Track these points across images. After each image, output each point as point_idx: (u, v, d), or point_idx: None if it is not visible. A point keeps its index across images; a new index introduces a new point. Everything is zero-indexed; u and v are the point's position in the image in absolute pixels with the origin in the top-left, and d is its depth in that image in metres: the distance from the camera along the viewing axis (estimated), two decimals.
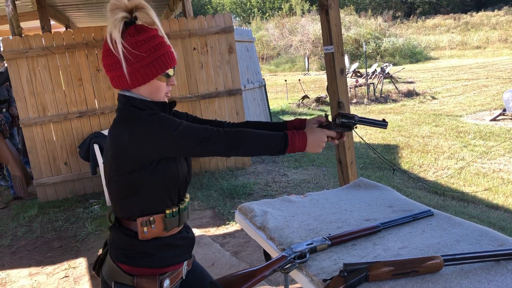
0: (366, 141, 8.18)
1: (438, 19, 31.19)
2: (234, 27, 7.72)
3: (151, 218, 1.42)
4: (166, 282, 1.45)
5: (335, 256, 1.74)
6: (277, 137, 1.43)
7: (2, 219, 5.07)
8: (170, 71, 1.41)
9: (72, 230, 4.56)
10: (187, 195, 1.58)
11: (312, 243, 1.78)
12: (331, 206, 2.29)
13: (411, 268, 1.53)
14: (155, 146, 1.33)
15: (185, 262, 1.56)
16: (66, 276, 3.65)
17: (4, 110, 6.14)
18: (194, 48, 5.76)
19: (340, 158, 3.43)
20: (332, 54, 3.20)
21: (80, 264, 3.81)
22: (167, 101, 1.47)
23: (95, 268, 1.56)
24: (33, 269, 3.85)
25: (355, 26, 27.19)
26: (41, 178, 5.50)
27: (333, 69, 3.25)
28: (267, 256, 2.03)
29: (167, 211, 1.43)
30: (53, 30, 7.35)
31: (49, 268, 3.83)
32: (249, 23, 33.45)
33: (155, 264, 1.44)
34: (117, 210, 1.47)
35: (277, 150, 1.44)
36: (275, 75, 22.98)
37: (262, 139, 1.42)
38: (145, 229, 1.41)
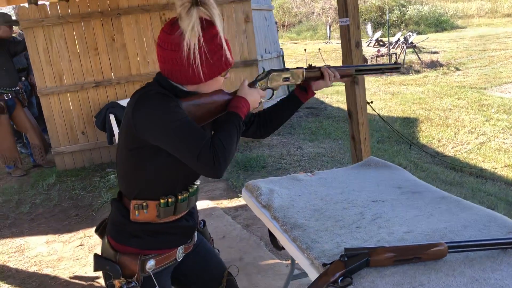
0: (386, 113, 8.04)
1: None
2: None
3: (144, 203, 1.42)
4: (150, 263, 1.46)
5: (338, 239, 1.72)
6: (234, 121, 1.41)
7: (22, 187, 5.20)
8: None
9: (88, 199, 4.65)
10: (196, 184, 1.55)
11: None
12: (339, 185, 2.26)
13: (413, 255, 1.50)
14: (151, 129, 1.31)
15: (181, 246, 1.56)
16: (81, 245, 3.74)
17: (23, 78, 6.20)
18: None
19: (353, 134, 3.37)
20: (348, 26, 3.10)
21: (95, 233, 3.90)
22: None
23: (98, 230, 1.60)
24: (50, 237, 3.95)
25: None
26: (59, 147, 5.58)
27: (348, 42, 3.15)
28: (271, 236, 2.03)
29: (162, 200, 1.42)
30: None
31: (65, 236, 3.93)
32: None
33: (141, 246, 1.46)
34: (120, 185, 1.50)
35: (241, 130, 1.44)
36: (296, 43, 22.61)
37: (236, 139, 1.40)
38: (137, 212, 1.43)
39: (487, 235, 1.65)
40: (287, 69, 1.69)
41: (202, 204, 4.23)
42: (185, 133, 1.29)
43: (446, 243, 1.49)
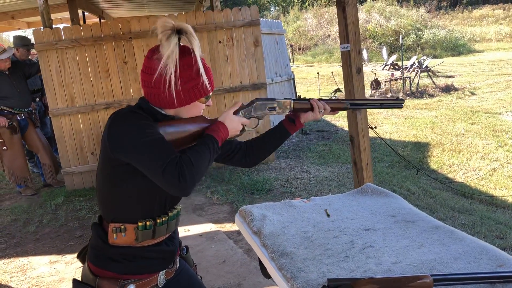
0: (397, 137, 7.97)
1: (486, 10, 29.84)
2: (264, 19, 7.65)
3: (122, 227, 1.43)
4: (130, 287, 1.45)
5: (324, 268, 1.69)
6: (209, 143, 1.41)
7: (30, 206, 5.26)
8: (210, 94, 1.49)
9: (94, 219, 4.66)
10: (177, 208, 1.56)
11: None
12: (333, 212, 2.23)
13: (397, 287, 1.47)
14: (122, 144, 1.32)
15: (162, 271, 1.55)
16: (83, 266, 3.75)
17: (37, 99, 6.33)
18: (220, 41, 5.74)
19: (355, 159, 3.35)
20: (349, 52, 3.11)
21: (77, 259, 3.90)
22: None
23: (80, 255, 1.61)
24: (54, 257, 3.97)
25: (395, 16, 26.45)
26: (69, 167, 5.66)
27: (349, 68, 3.16)
28: (261, 263, 2.00)
29: (140, 223, 1.43)
30: (88, 21, 7.49)
31: (68, 257, 3.95)
32: (288, 12, 33.13)
33: (120, 271, 1.46)
34: (100, 208, 1.52)
35: (215, 153, 1.43)
36: (311, 66, 22.73)
37: (208, 160, 1.38)
38: (115, 235, 1.43)
39: (476, 268, 1.61)
40: (273, 99, 1.67)
41: (205, 227, 4.22)
42: (152, 149, 1.30)
43: (432, 275, 1.46)
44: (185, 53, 1.40)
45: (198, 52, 1.38)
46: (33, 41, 5.75)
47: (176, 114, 1.46)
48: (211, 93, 1.49)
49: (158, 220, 1.46)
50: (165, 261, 1.55)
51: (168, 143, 1.34)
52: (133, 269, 1.47)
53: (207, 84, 1.44)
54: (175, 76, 1.36)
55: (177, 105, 1.42)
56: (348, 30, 3.06)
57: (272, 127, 1.78)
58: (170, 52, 1.33)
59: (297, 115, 1.71)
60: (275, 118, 6.80)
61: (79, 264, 3.78)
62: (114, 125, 1.35)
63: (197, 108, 1.48)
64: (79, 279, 1.52)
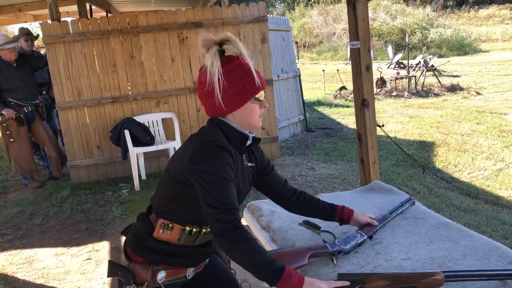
0: (402, 136, 7.96)
1: (492, 9, 29.67)
2: (271, 15, 7.64)
3: (171, 225, 1.51)
4: (161, 274, 1.53)
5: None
6: (272, 267, 1.34)
7: (36, 198, 5.28)
8: (261, 95, 1.50)
9: (99, 213, 4.69)
10: None
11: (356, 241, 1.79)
12: None
13: (409, 284, 1.47)
14: (197, 173, 1.39)
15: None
16: (88, 259, 3.77)
17: (44, 92, 6.35)
18: None
19: (362, 157, 3.34)
20: (358, 50, 3.11)
21: (103, 248, 3.92)
22: (260, 125, 1.57)
23: (124, 231, 1.68)
24: (60, 249, 3.99)
25: (401, 15, 26.35)
26: (75, 160, 5.67)
27: (358, 65, 3.15)
28: None
29: (187, 227, 1.51)
30: (95, 15, 7.50)
31: (74, 250, 3.96)
32: (294, 9, 33.02)
33: (154, 259, 1.54)
34: (154, 201, 1.59)
35: (265, 279, 1.35)
36: (316, 63, 22.68)
37: (257, 263, 1.34)
38: (161, 230, 1.52)
39: (486, 265, 1.61)
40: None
41: None
42: (217, 188, 1.36)
43: (443, 272, 1.46)
44: (229, 60, 1.46)
45: (245, 54, 1.44)
46: (40, 34, 5.75)
47: (236, 122, 1.50)
48: (262, 93, 1.50)
49: (204, 230, 1.53)
50: (198, 261, 1.64)
51: (233, 190, 1.40)
52: (167, 261, 1.55)
53: (257, 82, 1.47)
54: (219, 84, 1.42)
55: (230, 110, 1.47)
56: (358, 28, 3.06)
57: (327, 203, 1.87)
58: (211, 61, 1.41)
59: (350, 217, 1.86)
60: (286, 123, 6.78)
61: (85, 256, 3.82)
62: (200, 153, 1.41)
63: (253, 112, 1.50)
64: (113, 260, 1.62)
